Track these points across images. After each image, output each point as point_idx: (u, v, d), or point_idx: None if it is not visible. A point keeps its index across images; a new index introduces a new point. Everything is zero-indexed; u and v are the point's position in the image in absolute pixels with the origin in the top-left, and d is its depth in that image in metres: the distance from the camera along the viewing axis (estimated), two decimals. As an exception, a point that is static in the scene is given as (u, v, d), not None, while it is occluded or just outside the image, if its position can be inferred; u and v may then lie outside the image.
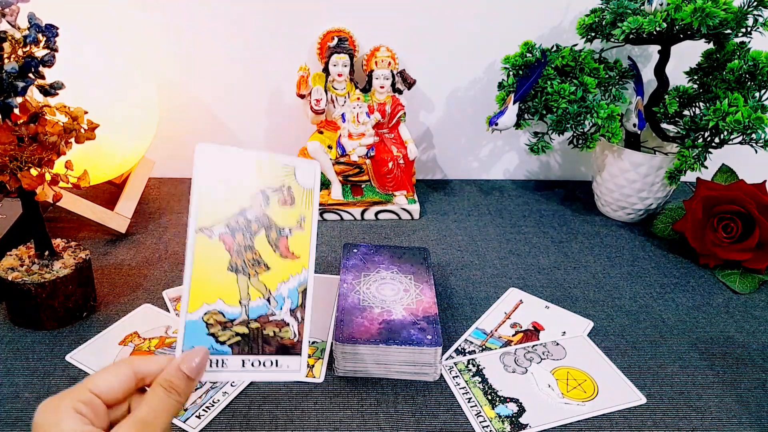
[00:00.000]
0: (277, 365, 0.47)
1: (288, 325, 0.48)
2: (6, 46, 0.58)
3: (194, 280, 0.45)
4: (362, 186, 0.97)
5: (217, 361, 0.45)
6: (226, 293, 0.46)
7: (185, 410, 0.59)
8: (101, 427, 0.39)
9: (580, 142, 0.93)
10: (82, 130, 0.64)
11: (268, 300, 0.47)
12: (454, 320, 0.74)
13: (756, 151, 0.83)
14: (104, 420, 0.40)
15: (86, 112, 0.64)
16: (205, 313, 0.46)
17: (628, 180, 0.92)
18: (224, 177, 0.47)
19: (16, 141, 0.60)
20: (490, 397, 0.62)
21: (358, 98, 0.94)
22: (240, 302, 0.47)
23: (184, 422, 0.58)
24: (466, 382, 0.64)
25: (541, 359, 0.68)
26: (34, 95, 0.62)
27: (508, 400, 0.62)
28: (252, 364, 0.46)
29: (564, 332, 0.72)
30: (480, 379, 0.65)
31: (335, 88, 0.95)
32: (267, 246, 0.48)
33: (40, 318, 0.68)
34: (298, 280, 0.48)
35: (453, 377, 0.65)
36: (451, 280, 0.82)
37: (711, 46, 0.89)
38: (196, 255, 0.45)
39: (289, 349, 0.47)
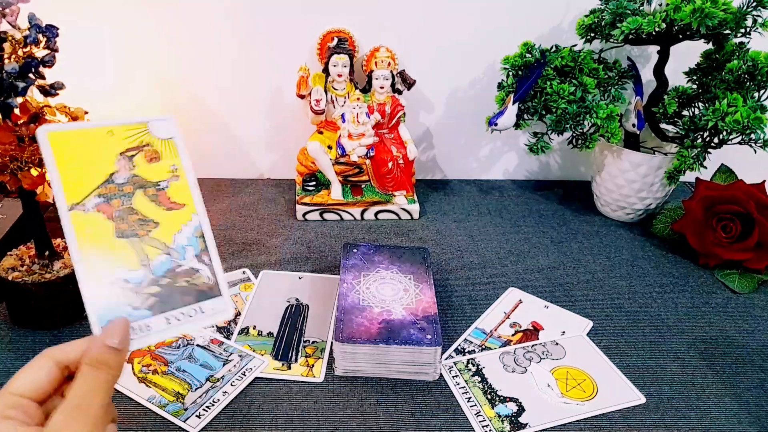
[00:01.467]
0: (202, 311, 0.47)
1: (198, 271, 0.48)
2: (6, 46, 0.58)
3: (84, 258, 0.44)
4: (362, 186, 0.97)
5: (140, 326, 0.45)
6: (123, 260, 0.46)
7: (185, 410, 0.60)
8: (36, 423, 0.39)
9: (580, 142, 0.94)
10: (83, 131, 0.64)
11: (169, 254, 0.47)
12: (454, 320, 0.74)
13: (755, 151, 0.83)
14: (38, 417, 0.39)
15: (86, 112, 0.64)
16: (110, 285, 0.45)
17: (628, 180, 0.92)
18: (80, 152, 0.46)
19: (17, 141, 0.60)
20: (489, 397, 0.63)
21: (358, 98, 0.94)
22: (141, 264, 0.46)
23: (185, 422, 0.58)
24: (465, 381, 0.64)
25: (541, 359, 0.68)
26: (34, 95, 0.62)
27: (507, 399, 0.62)
28: (177, 319, 0.46)
29: (563, 332, 0.72)
30: (479, 379, 0.65)
31: (335, 89, 0.95)
32: (148, 203, 0.48)
33: (41, 318, 0.69)
34: (192, 226, 0.48)
35: (453, 377, 0.65)
36: (451, 279, 0.82)
37: (710, 46, 0.89)
38: (77, 232, 0.45)
39: (208, 292, 0.47)
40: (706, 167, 0.86)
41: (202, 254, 0.48)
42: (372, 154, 0.95)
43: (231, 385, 0.63)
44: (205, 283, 0.47)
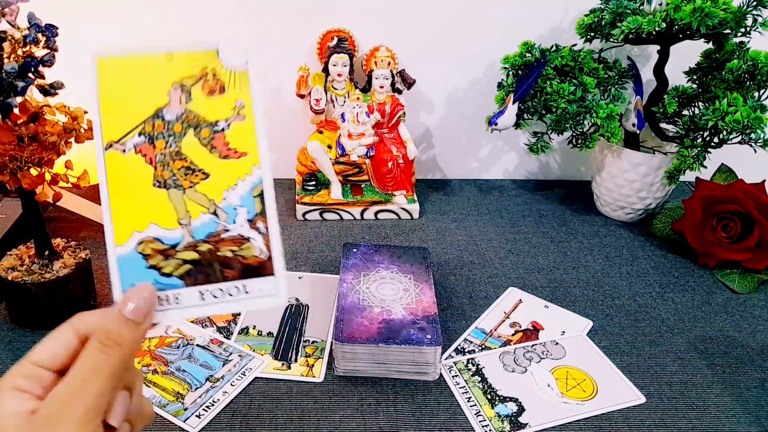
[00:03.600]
0: (246, 291, 0.39)
1: (248, 240, 0.39)
2: (6, 45, 0.58)
3: (114, 207, 0.38)
4: (362, 186, 0.97)
5: (168, 297, 0.38)
6: (158, 215, 0.38)
7: (185, 410, 0.59)
8: None
9: (580, 141, 0.94)
10: (82, 130, 0.64)
11: (215, 213, 0.39)
12: (454, 320, 0.74)
13: (755, 151, 0.83)
14: (53, 387, 0.35)
15: (86, 112, 0.64)
16: (138, 243, 0.38)
17: (628, 180, 0.92)
18: (130, 80, 0.39)
19: (16, 141, 0.60)
20: (489, 397, 0.62)
21: (358, 98, 0.94)
22: (179, 222, 0.39)
23: (185, 422, 0.58)
24: (465, 381, 0.64)
25: (541, 359, 0.68)
26: (33, 95, 0.62)
27: (507, 399, 0.62)
28: (214, 295, 0.38)
29: (563, 332, 0.72)
30: (479, 379, 0.65)
31: (335, 88, 0.95)
32: (199, 148, 0.39)
33: (41, 318, 0.68)
34: (250, 182, 0.39)
35: (452, 377, 0.65)
36: (451, 279, 0.82)
37: (710, 45, 0.89)
38: (110, 176, 0.38)
39: (258, 269, 0.39)
40: (706, 167, 0.86)
41: (257, 219, 0.39)
42: (372, 153, 0.94)
43: (231, 385, 0.63)
44: (256, 256, 0.39)
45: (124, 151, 0.38)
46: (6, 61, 0.58)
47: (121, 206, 0.38)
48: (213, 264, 0.39)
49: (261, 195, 0.39)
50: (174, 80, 0.39)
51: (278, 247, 0.39)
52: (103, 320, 0.36)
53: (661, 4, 0.80)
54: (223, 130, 0.39)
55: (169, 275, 0.38)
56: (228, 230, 0.39)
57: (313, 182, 0.97)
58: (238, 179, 0.39)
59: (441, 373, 0.65)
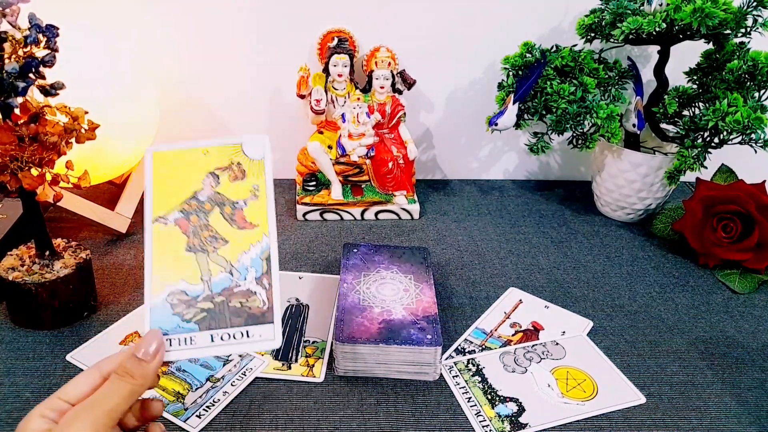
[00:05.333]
0: (248, 336, 0.47)
1: (255, 294, 0.48)
2: (6, 46, 0.58)
3: (155, 266, 0.47)
4: (362, 186, 0.97)
5: (185, 339, 0.46)
6: (187, 273, 0.48)
7: (185, 410, 0.60)
8: None
9: (580, 142, 0.94)
10: (83, 130, 0.64)
11: (231, 272, 0.48)
12: (454, 320, 0.74)
13: (755, 151, 0.83)
14: None
15: (87, 112, 0.64)
16: (169, 295, 0.47)
17: (628, 180, 0.92)
18: (174, 170, 0.50)
19: (17, 141, 0.60)
20: (489, 397, 0.63)
21: (358, 98, 0.94)
22: (201, 279, 0.48)
23: (185, 422, 0.58)
24: (465, 381, 0.64)
25: (541, 359, 0.68)
26: (34, 95, 0.62)
27: (507, 399, 0.62)
28: (221, 338, 0.47)
29: (564, 332, 0.72)
30: (480, 379, 0.65)
31: (335, 89, 0.95)
32: (222, 221, 0.49)
33: (41, 318, 0.69)
34: (259, 247, 0.49)
35: (453, 377, 0.65)
36: (451, 280, 0.82)
37: (710, 46, 0.89)
38: (155, 243, 0.48)
39: (259, 317, 0.47)
40: (706, 167, 0.86)
41: (263, 277, 0.48)
42: (372, 154, 0.95)
43: (231, 385, 0.63)
44: (259, 307, 0.48)
45: (166, 224, 0.49)
46: (7, 61, 0.58)
47: (160, 266, 0.48)
48: (224, 312, 0.47)
49: (268, 258, 0.49)
50: (208, 170, 0.50)
51: (278, 300, 0.48)
52: (122, 358, 0.44)
53: (661, 5, 0.80)
54: (241, 207, 0.50)
55: (189, 321, 0.47)
56: (239, 285, 0.48)
57: (314, 182, 0.97)
58: (251, 245, 0.49)
59: (441, 374, 0.65)
